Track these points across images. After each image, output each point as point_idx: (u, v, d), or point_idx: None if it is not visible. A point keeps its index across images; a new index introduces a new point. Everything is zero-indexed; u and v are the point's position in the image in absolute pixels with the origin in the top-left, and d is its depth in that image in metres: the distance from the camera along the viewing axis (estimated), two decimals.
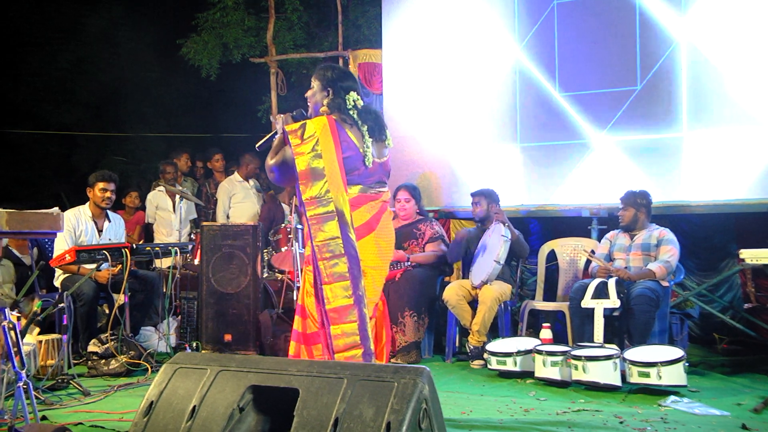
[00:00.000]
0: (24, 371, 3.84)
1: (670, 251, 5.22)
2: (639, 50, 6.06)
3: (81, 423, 3.98)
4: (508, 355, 5.00)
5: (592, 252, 5.71)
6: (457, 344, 5.92)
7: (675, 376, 4.33)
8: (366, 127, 3.56)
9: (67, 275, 5.81)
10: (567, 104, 6.36)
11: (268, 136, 3.74)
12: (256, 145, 3.81)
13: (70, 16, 12.18)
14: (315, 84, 3.70)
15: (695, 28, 5.92)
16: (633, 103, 6.08)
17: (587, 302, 5.05)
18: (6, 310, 3.87)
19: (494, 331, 5.70)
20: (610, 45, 6.20)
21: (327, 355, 3.42)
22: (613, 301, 4.97)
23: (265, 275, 6.35)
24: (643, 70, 6.05)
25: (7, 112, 11.91)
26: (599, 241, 5.78)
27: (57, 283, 5.88)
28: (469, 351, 5.55)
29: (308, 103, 3.74)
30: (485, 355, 5.22)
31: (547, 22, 6.45)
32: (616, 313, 5.08)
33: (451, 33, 6.90)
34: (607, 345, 4.77)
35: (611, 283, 5.05)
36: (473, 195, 6.01)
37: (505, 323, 5.72)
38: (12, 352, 3.85)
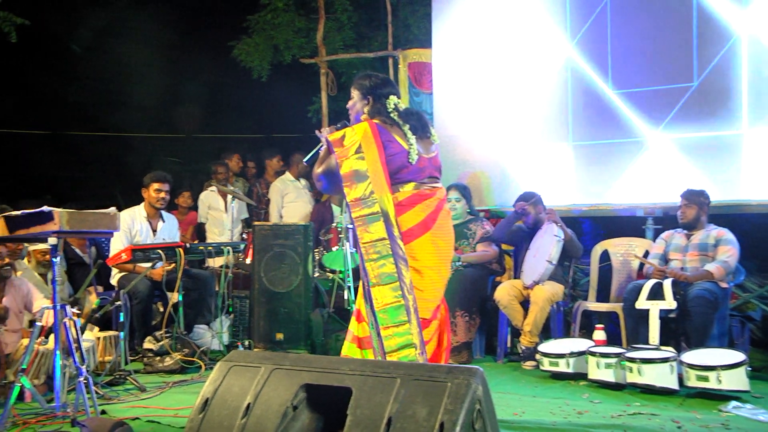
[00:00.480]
0: (84, 367, 3.94)
1: (729, 251, 5.09)
2: (696, 45, 5.91)
3: (138, 418, 4.06)
4: (561, 356, 4.94)
5: (645, 254, 5.60)
6: (508, 345, 5.87)
7: (736, 380, 4.21)
8: (408, 126, 3.60)
9: (123, 274, 5.93)
10: (620, 102, 6.25)
11: (315, 149, 3.81)
12: (304, 159, 3.91)
13: (126, 21, 12.43)
14: (354, 94, 3.76)
15: (758, 21, 5.74)
16: (690, 99, 5.93)
17: (642, 303, 4.95)
18: (67, 306, 3.97)
19: (546, 332, 5.63)
20: (665, 40, 6.06)
21: (380, 356, 3.42)
22: (669, 303, 4.87)
23: (316, 274, 6.38)
24: (701, 65, 5.90)
25: (67, 114, 12.21)
26: (654, 241, 5.67)
27: (113, 281, 6.01)
28: (520, 352, 5.50)
29: (350, 114, 3.79)
30: (537, 356, 5.17)
31: (599, 18, 6.35)
32: (672, 315, 4.99)
33: (502, 31, 6.83)
34: (662, 347, 4.67)
35: (667, 284, 4.94)
36: (517, 204, 5.93)
37: (558, 324, 5.64)
38: (73, 347, 3.96)
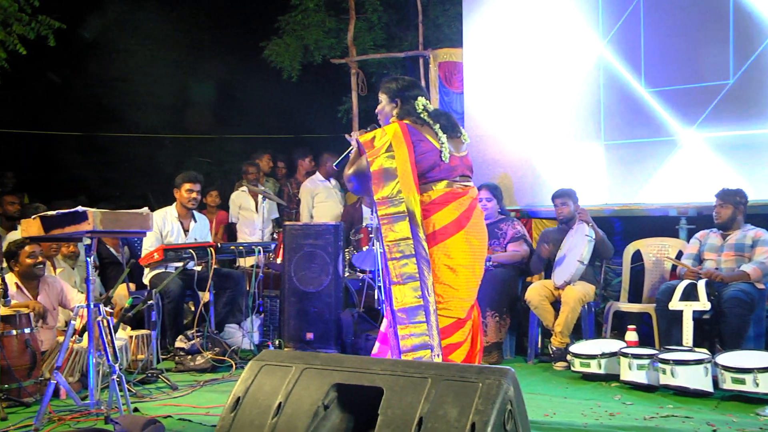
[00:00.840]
0: (117, 365, 4.00)
1: (767, 253, 5.00)
2: (733, 41, 5.79)
3: (170, 416, 4.10)
4: (593, 357, 4.90)
5: (678, 254, 5.53)
6: (539, 345, 5.83)
7: None
8: (438, 125, 3.61)
9: (155, 273, 5.98)
10: (653, 100, 6.16)
11: (345, 153, 3.86)
12: (334, 163, 3.96)
13: (156, 22, 12.57)
14: (382, 98, 3.80)
15: None
16: (725, 97, 5.82)
17: (675, 304, 4.89)
18: (100, 305, 4.03)
19: (577, 333, 5.59)
20: (700, 37, 5.96)
21: (395, 356, 3.43)
22: (703, 304, 4.80)
23: (346, 274, 6.40)
24: (737, 62, 5.78)
25: (99, 116, 12.36)
26: (687, 241, 5.59)
27: (146, 280, 6.07)
28: (551, 352, 5.46)
29: (378, 118, 3.82)
30: (568, 357, 5.13)
31: (632, 15, 6.26)
32: (706, 316, 4.91)
33: (533, 30, 6.78)
34: (696, 349, 4.61)
35: (701, 285, 4.87)
36: (557, 197, 5.88)
37: (589, 325, 5.60)
38: (107, 346, 4.01)
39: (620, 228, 6.89)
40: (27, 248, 5.01)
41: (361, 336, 5.80)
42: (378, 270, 6.00)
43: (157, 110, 12.73)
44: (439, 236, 3.47)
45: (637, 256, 6.02)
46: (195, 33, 12.96)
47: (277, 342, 5.98)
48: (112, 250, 6.61)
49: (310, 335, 5.84)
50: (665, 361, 4.40)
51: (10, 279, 5.05)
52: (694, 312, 4.77)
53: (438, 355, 3.37)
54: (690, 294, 4.87)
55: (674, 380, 4.35)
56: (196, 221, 6.31)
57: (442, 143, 3.56)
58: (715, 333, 5.02)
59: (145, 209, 4.39)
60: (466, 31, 7.22)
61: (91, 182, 12.91)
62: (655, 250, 5.92)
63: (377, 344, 3.62)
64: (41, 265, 5.12)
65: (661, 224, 6.18)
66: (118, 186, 13.04)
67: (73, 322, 4.16)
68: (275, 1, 10.56)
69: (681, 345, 4.68)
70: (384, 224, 3.42)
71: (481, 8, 7.11)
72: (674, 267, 5.57)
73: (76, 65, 11.80)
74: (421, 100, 3.67)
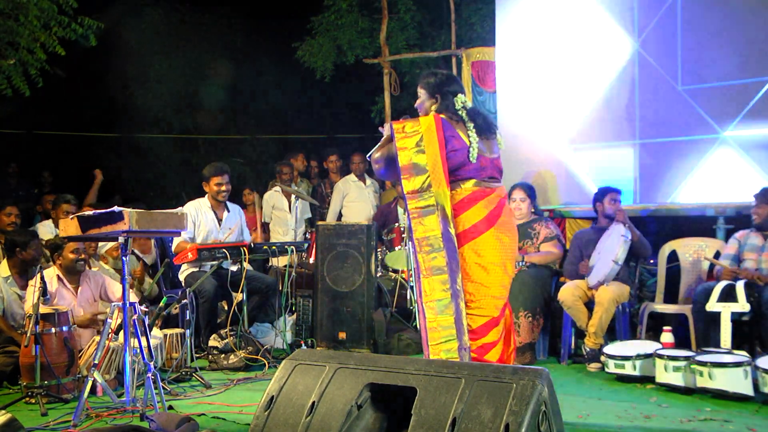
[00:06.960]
0: (152, 363, 4.05)
1: None
2: None
3: (204, 414, 4.14)
4: (627, 358, 4.82)
5: (716, 255, 5.43)
6: (572, 346, 5.77)
7: None
8: (473, 124, 3.61)
9: (190, 272, 6.03)
10: (690, 98, 6.07)
11: (379, 144, 3.83)
12: (368, 155, 3.95)
13: (190, 24, 12.71)
14: (421, 93, 3.80)
15: None
16: (765, 95, 5.72)
17: (713, 305, 4.80)
18: (136, 304, 4.08)
19: (611, 334, 5.52)
20: (740, 33, 5.82)
21: (425, 348, 3.44)
22: (742, 305, 4.71)
23: (379, 274, 6.40)
24: None
25: (136, 117, 12.54)
26: (726, 242, 5.49)
27: (181, 277, 6.11)
28: (585, 353, 5.40)
29: (419, 113, 3.82)
30: (602, 358, 5.07)
31: (669, 11, 6.17)
32: (745, 318, 4.82)
33: (566, 27, 6.71)
34: (735, 351, 4.52)
35: (740, 286, 4.78)
36: (610, 191, 5.82)
37: (623, 326, 5.53)
38: (142, 344, 4.07)
39: (655, 228, 6.79)
40: (71, 243, 5.13)
41: (394, 336, 5.80)
42: (411, 270, 6.00)
43: (192, 111, 12.87)
44: (470, 234, 3.48)
45: (673, 257, 5.93)
46: (229, 35, 13.08)
47: (309, 341, 6.00)
48: (136, 251, 6.64)
49: (342, 335, 5.85)
50: (702, 363, 4.32)
51: (52, 272, 5.17)
52: (732, 314, 4.69)
53: (465, 349, 3.37)
54: (728, 295, 4.79)
55: (712, 383, 4.27)
56: (229, 211, 6.33)
57: (472, 143, 3.56)
58: (755, 335, 4.92)
59: (180, 209, 4.43)
60: (499, 29, 7.18)
61: (126, 183, 13.10)
62: (692, 251, 5.82)
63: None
64: (83, 261, 5.25)
65: (698, 224, 6.08)
66: (153, 186, 13.21)
67: (109, 320, 4.22)
68: (308, 2, 10.62)
69: (719, 347, 4.60)
70: (413, 218, 3.45)
71: (513, 7, 7.06)
72: (711, 268, 5.48)
73: (113, 67, 11.97)
74: (460, 97, 3.69)
